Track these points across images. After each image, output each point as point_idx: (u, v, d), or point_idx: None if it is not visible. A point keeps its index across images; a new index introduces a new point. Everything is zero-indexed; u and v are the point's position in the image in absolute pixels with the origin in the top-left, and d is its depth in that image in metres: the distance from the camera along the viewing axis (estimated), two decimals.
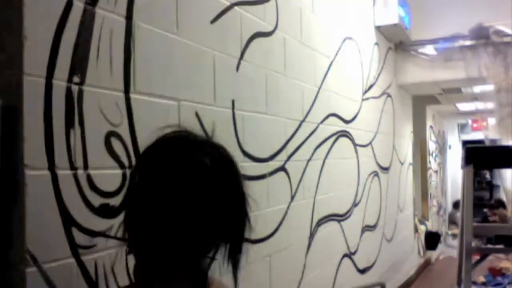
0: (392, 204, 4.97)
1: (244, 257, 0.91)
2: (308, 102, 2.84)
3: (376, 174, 4.35)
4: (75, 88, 1.31)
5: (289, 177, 2.58)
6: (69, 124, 1.29)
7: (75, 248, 1.29)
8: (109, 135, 1.42)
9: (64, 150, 1.27)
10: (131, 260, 1.47)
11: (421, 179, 7.66)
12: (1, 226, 1.17)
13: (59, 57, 1.26)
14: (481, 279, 5.41)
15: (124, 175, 1.46)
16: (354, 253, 3.65)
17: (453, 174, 12.37)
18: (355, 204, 3.71)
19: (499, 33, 4.64)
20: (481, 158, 3.04)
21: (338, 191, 3.32)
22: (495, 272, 5.60)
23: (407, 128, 6.00)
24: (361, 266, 3.80)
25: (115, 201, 1.43)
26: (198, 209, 0.83)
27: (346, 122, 3.53)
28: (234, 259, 0.89)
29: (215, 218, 0.85)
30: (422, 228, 6.72)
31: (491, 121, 8.68)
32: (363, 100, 3.97)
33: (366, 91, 4.08)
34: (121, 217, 1.43)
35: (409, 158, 6.03)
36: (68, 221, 1.27)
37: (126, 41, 1.49)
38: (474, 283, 5.83)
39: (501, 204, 8.54)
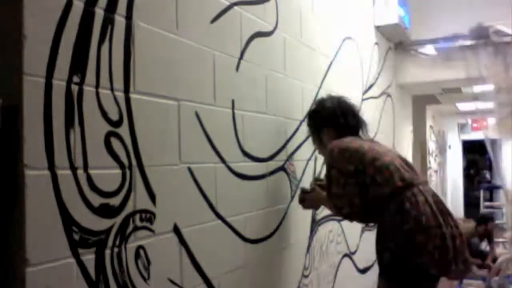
0: None
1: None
2: (308, 102, 2.84)
3: None
4: (75, 88, 1.31)
5: (289, 177, 2.58)
6: (69, 124, 1.29)
7: (75, 248, 1.29)
8: (109, 135, 1.42)
9: (64, 150, 1.27)
10: (131, 259, 1.47)
11: None
12: (0, 226, 1.17)
13: (59, 57, 1.26)
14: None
15: (124, 175, 1.47)
16: (354, 253, 3.65)
17: (453, 174, 12.38)
18: None
19: (499, 33, 4.64)
20: None
21: None
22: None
23: (407, 128, 6.00)
24: (361, 266, 3.80)
25: (115, 201, 1.43)
26: None
27: None
28: None
29: None
30: None
31: (491, 121, 8.69)
32: (363, 99, 3.96)
33: (366, 91, 4.08)
34: (120, 217, 1.44)
35: (409, 158, 6.03)
36: (68, 221, 1.27)
37: (126, 41, 1.50)
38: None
39: (485, 220, 6.75)
